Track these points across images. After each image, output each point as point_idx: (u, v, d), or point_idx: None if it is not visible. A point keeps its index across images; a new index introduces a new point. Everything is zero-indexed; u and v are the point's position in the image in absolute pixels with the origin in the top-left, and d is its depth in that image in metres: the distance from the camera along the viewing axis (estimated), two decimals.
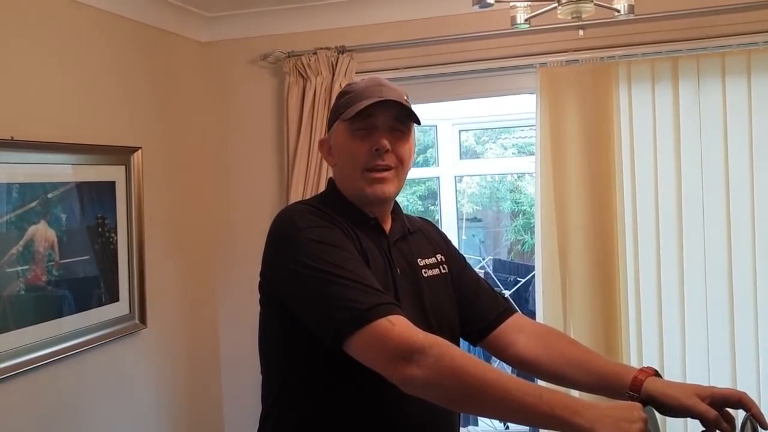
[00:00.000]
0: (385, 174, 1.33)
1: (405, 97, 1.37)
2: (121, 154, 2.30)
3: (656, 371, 1.26)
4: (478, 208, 5.95)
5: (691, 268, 2.48)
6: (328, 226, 1.28)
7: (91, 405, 2.20)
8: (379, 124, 1.32)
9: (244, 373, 2.88)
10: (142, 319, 2.39)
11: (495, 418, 1.15)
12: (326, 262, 1.21)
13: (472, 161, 5.76)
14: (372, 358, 1.15)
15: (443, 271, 1.45)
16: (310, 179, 2.61)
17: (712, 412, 1.13)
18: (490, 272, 5.08)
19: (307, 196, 2.62)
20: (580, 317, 2.55)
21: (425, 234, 1.50)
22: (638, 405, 1.05)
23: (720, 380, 2.45)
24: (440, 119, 4.85)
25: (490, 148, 5.91)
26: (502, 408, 1.07)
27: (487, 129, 5.57)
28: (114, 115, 2.33)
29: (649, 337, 2.52)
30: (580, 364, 1.34)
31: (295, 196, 2.62)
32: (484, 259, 5.21)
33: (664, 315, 2.50)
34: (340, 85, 2.57)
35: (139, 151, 2.35)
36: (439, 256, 1.46)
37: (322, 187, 2.58)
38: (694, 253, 2.48)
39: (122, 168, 2.29)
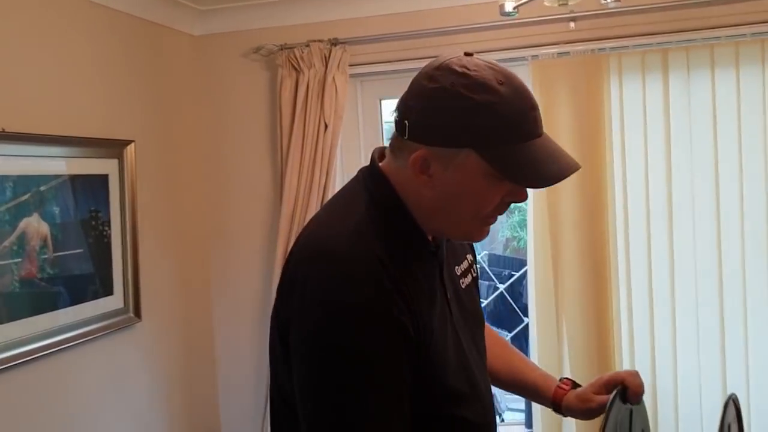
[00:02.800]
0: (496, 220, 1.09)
1: None
2: (114, 148, 2.30)
3: (573, 383, 1.31)
4: None
5: (681, 258, 2.51)
6: (387, 317, 0.96)
7: (85, 398, 2.21)
8: None
9: (239, 366, 2.89)
10: (137, 313, 2.39)
11: None
12: (374, 380, 0.95)
13: None
14: None
15: (474, 275, 1.26)
16: (303, 172, 2.62)
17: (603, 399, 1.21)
18: (486, 266, 5.10)
19: (301, 190, 2.62)
20: (572, 310, 2.57)
21: None
22: None
23: (709, 374, 2.48)
24: None
25: None
26: None
27: None
28: (107, 108, 2.33)
29: (640, 331, 2.55)
30: (514, 374, 1.38)
31: (289, 190, 2.63)
32: (479, 254, 5.23)
33: (655, 307, 2.53)
34: (334, 78, 2.58)
35: (132, 144, 2.35)
36: (469, 257, 1.25)
37: (316, 181, 2.61)
38: (684, 243, 2.50)
39: (115, 161, 2.29)
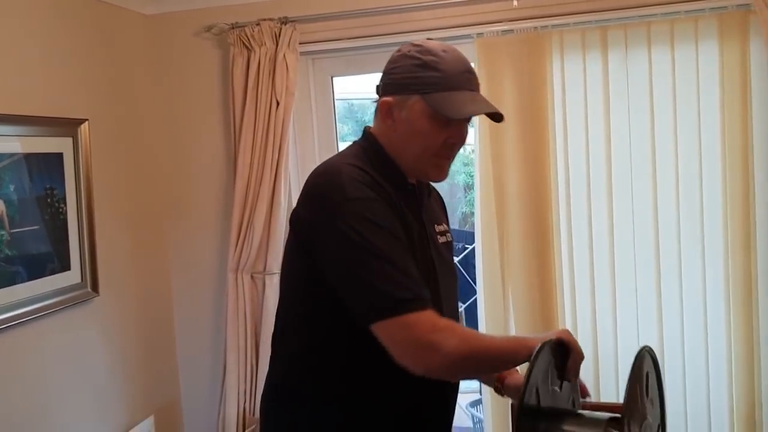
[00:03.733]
0: (450, 161, 1.41)
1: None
2: (68, 126, 2.33)
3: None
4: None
5: (620, 229, 2.63)
6: (377, 199, 1.29)
7: (44, 372, 2.26)
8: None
9: (198, 340, 2.97)
10: (95, 288, 2.44)
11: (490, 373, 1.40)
12: (373, 241, 1.24)
13: None
14: (397, 347, 1.22)
15: (449, 239, 1.52)
16: (256, 149, 2.67)
17: None
18: None
19: (254, 167, 2.69)
20: (517, 280, 2.68)
21: (434, 200, 1.58)
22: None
23: (647, 333, 2.62)
24: None
25: None
26: (501, 364, 1.34)
27: None
28: (60, 88, 2.36)
29: (582, 298, 2.66)
30: None
31: (242, 166, 2.68)
32: None
33: (595, 276, 2.65)
34: (284, 56, 2.64)
35: (86, 123, 2.39)
36: (444, 225, 1.54)
37: (269, 157, 2.68)
38: (623, 214, 2.62)
39: (69, 140, 2.33)
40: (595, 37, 2.58)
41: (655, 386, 1.26)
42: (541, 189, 2.64)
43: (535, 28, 2.60)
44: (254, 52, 2.66)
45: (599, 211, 2.63)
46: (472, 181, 5.98)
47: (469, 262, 4.62)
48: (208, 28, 2.78)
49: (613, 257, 2.64)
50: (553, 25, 2.59)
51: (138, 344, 2.75)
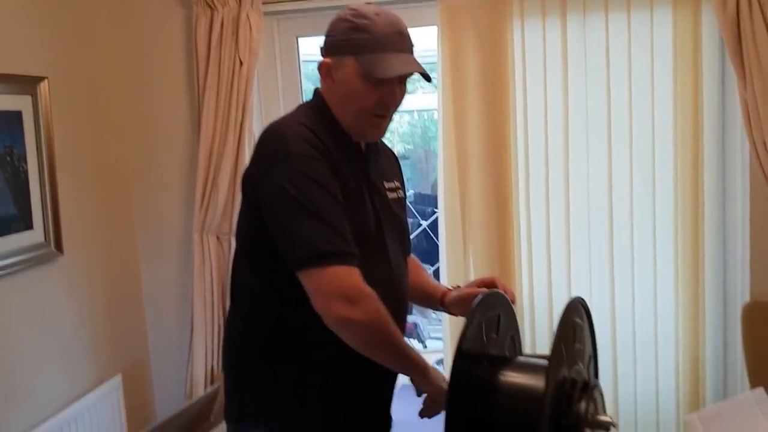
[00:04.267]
0: (386, 120, 1.48)
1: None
2: (26, 84, 2.32)
3: (458, 286, 1.64)
4: (409, 147, 6.10)
5: (575, 191, 2.70)
6: (318, 158, 1.37)
7: (9, 331, 2.29)
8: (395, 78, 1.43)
9: (166, 300, 3.00)
10: (58, 247, 2.46)
11: (388, 366, 1.41)
12: (306, 196, 1.33)
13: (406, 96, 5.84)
14: (315, 296, 1.31)
15: (399, 195, 1.62)
16: (220, 109, 2.69)
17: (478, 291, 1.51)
18: (411, 204, 5.29)
19: (218, 126, 2.71)
20: (477, 240, 2.75)
21: (387, 158, 1.65)
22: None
23: (600, 291, 2.72)
24: None
25: (422, 87, 6.03)
26: (398, 361, 1.40)
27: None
28: (17, 44, 2.34)
29: (538, 258, 2.74)
30: (418, 288, 1.67)
31: (207, 127, 2.70)
32: (408, 192, 5.41)
33: (551, 236, 2.72)
34: (248, 15, 2.64)
35: (46, 80, 2.38)
36: (395, 182, 1.62)
37: (233, 118, 2.70)
38: (580, 175, 2.69)
39: (28, 98, 2.32)
40: (555, 3, 2.62)
41: (588, 336, 1.34)
42: (501, 151, 2.70)
43: None
44: (217, 11, 2.66)
45: (556, 172, 2.70)
46: None
47: (437, 225, 4.71)
48: None
49: (568, 218, 2.71)
50: None
51: (105, 303, 2.78)
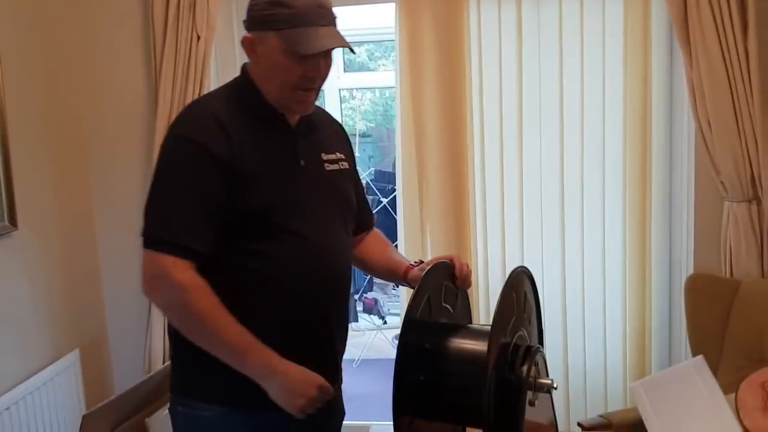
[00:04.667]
0: (312, 94, 1.47)
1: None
2: None
3: (421, 261, 1.65)
4: (371, 125, 6.12)
5: (529, 166, 2.77)
6: (201, 144, 1.38)
7: None
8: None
9: (124, 275, 2.98)
10: (13, 221, 2.44)
11: (211, 352, 1.41)
12: (169, 181, 1.40)
13: (357, 74, 5.87)
14: (143, 271, 1.39)
15: (343, 167, 1.61)
16: (177, 83, 2.68)
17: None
18: (371, 182, 5.32)
19: (176, 101, 2.70)
20: (434, 215, 2.80)
21: (330, 131, 1.64)
22: (320, 380, 1.37)
23: (551, 266, 2.81)
24: None
25: (383, 65, 6.03)
26: (214, 347, 1.38)
27: (376, 42, 5.66)
28: None
29: (493, 235, 2.82)
30: (384, 263, 1.71)
31: (164, 101, 2.69)
32: (368, 170, 5.44)
33: (505, 209, 2.80)
34: None
35: None
36: (338, 154, 1.61)
37: (190, 91, 2.70)
38: (533, 152, 2.76)
39: None
40: None
41: (533, 304, 1.40)
42: (457, 129, 2.75)
43: None
44: None
45: (510, 149, 2.77)
46: None
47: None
48: None
49: (522, 193, 2.79)
50: None
51: (61, 278, 2.76)
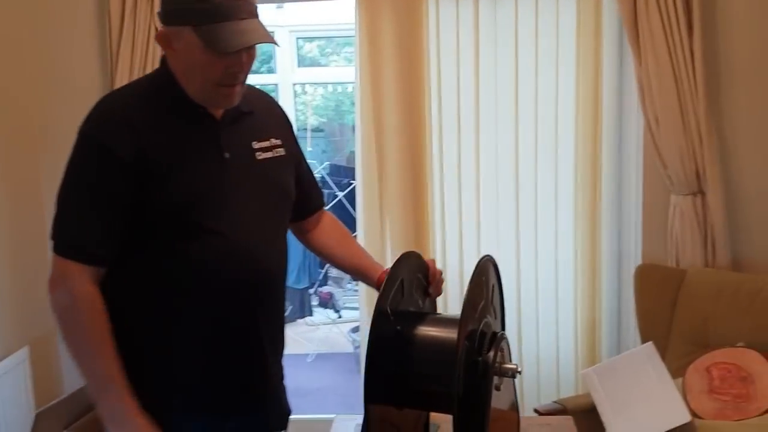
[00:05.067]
0: (236, 87, 1.39)
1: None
2: None
3: None
4: (323, 120, 6.12)
5: (485, 159, 2.83)
6: (106, 146, 1.33)
7: None
8: None
9: None
10: None
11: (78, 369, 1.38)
12: (75, 183, 1.36)
13: (310, 69, 5.87)
14: (51, 273, 1.37)
15: (278, 154, 1.51)
16: (134, 75, 2.65)
17: None
18: (326, 176, 5.33)
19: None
20: (393, 210, 2.84)
21: (265, 115, 1.53)
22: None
23: (506, 257, 2.87)
24: (277, 26, 4.89)
25: (334, 60, 6.04)
26: (81, 367, 1.36)
27: (327, 38, 5.66)
28: None
29: (451, 224, 2.87)
30: (354, 262, 1.69)
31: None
32: (321, 165, 5.45)
33: (463, 201, 2.85)
34: None
35: None
36: (273, 140, 1.51)
37: None
38: (489, 146, 2.83)
39: None
40: None
41: (498, 292, 1.45)
42: (416, 123, 2.79)
43: None
44: None
45: (468, 143, 2.83)
46: None
47: (353, 196, 4.78)
48: None
49: (478, 185, 2.85)
50: None
51: (10, 275, 2.70)
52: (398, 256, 1.37)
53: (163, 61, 1.42)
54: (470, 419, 1.19)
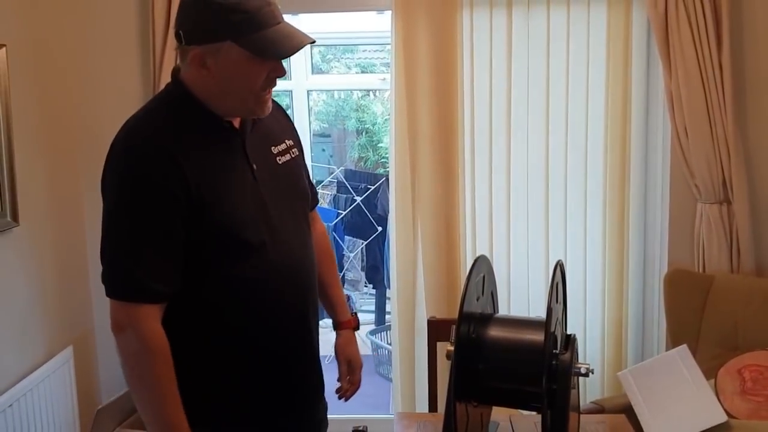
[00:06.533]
0: (271, 93, 1.43)
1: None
2: None
3: (356, 323, 1.79)
4: (324, 125, 6.18)
5: (516, 165, 2.91)
6: (150, 180, 1.33)
7: None
8: None
9: None
10: (14, 217, 2.43)
11: (140, 411, 1.41)
12: (125, 226, 1.35)
13: (322, 76, 5.95)
14: (111, 315, 1.37)
15: (294, 155, 1.57)
16: None
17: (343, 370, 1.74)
18: (344, 180, 5.38)
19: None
20: (426, 212, 2.90)
21: (273, 120, 1.55)
22: None
23: (535, 264, 2.96)
24: None
25: (335, 66, 6.11)
26: (145, 411, 1.38)
27: (331, 46, 5.74)
28: None
29: (481, 228, 2.95)
30: (329, 288, 1.76)
31: None
32: (336, 170, 5.51)
33: (494, 205, 2.93)
34: None
35: (3, 48, 2.33)
36: (288, 142, 1.57)
37: None
38: (520, 153, 2.91)
39: None
40: None
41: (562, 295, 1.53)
42: (449, 130, 2.86)
43: None
44: None
45: (499, 150, 2.90)
46: (362, 126, 6.22)
47: (370, 201, 4.85)
48: None
49: (509, 191, 2.92)
50: None
51: (55, 275, 2.75)
52: (475, 259, 1.45)
53: (177, 83, 1.42)
54: (554, 417, 1.27)
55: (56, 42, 2.75)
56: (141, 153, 1.35)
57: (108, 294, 1.36)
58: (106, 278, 1.37)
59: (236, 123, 1.46)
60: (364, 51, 6.04)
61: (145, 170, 1.34)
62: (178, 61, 1.45)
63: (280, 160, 1.52)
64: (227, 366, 1.47)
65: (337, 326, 1.80)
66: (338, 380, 1.79)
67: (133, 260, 1.34)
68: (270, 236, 1.44)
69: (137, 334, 1.33)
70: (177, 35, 1.38)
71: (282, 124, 1.60)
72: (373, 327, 4.92)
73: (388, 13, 2.83)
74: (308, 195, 1.62)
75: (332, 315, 1.79)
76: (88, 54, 2.85)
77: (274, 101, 1.55)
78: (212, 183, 1.38)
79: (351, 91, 6.14)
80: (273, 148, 1.52)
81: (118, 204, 1.36)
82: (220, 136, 1.42)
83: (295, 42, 1.36)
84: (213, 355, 1.46)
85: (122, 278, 1.35)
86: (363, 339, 4.79)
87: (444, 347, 1.37)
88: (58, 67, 2.76)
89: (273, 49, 1.34)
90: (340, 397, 1.77)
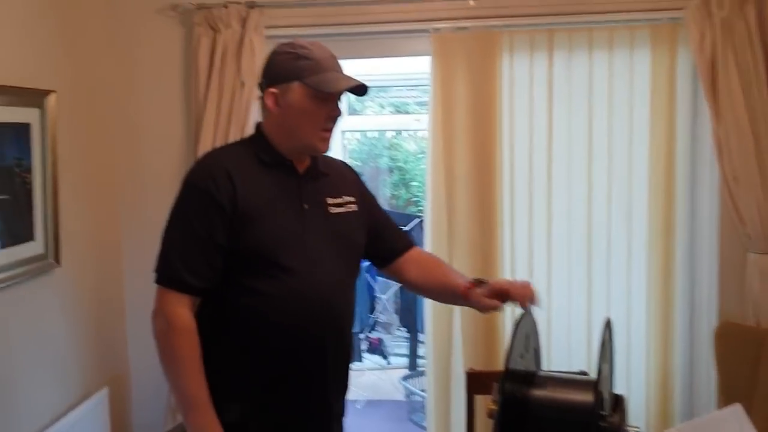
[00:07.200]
0: (331, 132, 1.66)
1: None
2: (35, 97, 2.32)
3: (479, 280, 1.73)
4: (358, 164, 6.24)
5: (557, 213, 2.85)
6: (207, 192, 1.58)
7: (7, 343, 2.27)
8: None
9: (147, 312, 2.98)
10: (57, 259, 2.46)
11: (169, 385, 1.64)
12: (177, 225, 1.61)
13: (357, 117, 6.02)
14: (155, 304, 1.62)
15: (351, 209, 1.75)
16: (220, 128, 2.74)
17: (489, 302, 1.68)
18: None
19: (217, 146, 2.75)
20: (462, 255, 2.85)
21: (339, 177, 1.79)
22: None
23: (577, 313, 2.87)
24: None
25: (369, 106, 6.19)
26: (173, 385, 1.60)
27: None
28: (26, 58, 2.34)
29: (521, 274, 2.87)
30: (439, 285, 1.80)
31: (204, 147, 2.73)
32: None
33: (534, 252, 2.86)
34: (251, 40, 2.71)
35: (53, 94, 2.39)
36: (346, 197, 1.75)
37: (232, 137, 2.75)
38: (561, 203, 2.85)
39: (36, 110, 2.33)
40: (543, 39, 2.79)
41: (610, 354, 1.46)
42: (487, 176, 2.83)
43: (488, 27, 2.77)
44: (220, 33, 2.71)
45: (540, 199, 2.86)
46: (394, 165, 6.24)
47: None
48: (173, 7, 2.81)
49: (550, 239, 2.86)
50: (505, 26, 2.77)
51: (92, 316, 2.77)
52: (521, 315, 1.40)
53: (258, 128, 1.70)
54: None
55: (102, 88, 2.82)
56: (207, 169, 1.63)
57: (155, 280, 1.61)
58: (155, 266, 1.62)
59: (301, 169, 1.69)
60: (398, 90, 6.13)
61: (204, 181, 1.59)
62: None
63: (332, 210, 1.71)
64: (241, 367, 1.64)
65: (467, 293, 1.72)
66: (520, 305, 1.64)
67: (176, 253, 1.59)
68: (302, 266, 1.61)
69: (166, 317, 1.58)
70: (260, 84, 1.67)
71: (348, 183, 1.80)
72: (406, 372, 4.83)
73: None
74: (359, 246, 1.77)
75: (456, 292, 1.73)
76: (133, 101, 2.91)
77: (348, 166, 1.87)
78: (259, 204, 1.60)
79: (386, 131, 6.22)
80: (329, 198, 1.71)
81: (179, 206, 1.63)
82: (280, 172, 1.66)
83: (346, 82, 1.63)
84: (231, 351, 1.63)
85: (164, 267, 1.61)
86: (395, 384, 4.72)
87: (483, 401, 1.33)
88: (104, 113, 2.83)
89: (328, 85, 1.59)
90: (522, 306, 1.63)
